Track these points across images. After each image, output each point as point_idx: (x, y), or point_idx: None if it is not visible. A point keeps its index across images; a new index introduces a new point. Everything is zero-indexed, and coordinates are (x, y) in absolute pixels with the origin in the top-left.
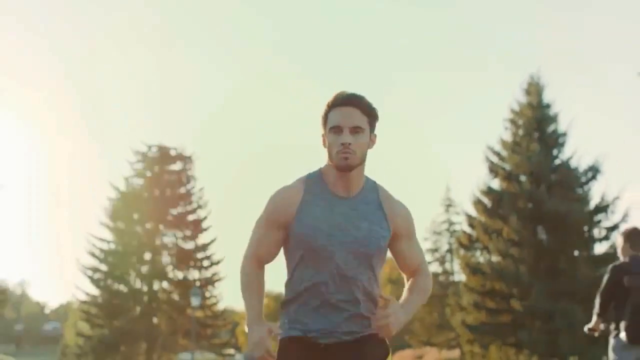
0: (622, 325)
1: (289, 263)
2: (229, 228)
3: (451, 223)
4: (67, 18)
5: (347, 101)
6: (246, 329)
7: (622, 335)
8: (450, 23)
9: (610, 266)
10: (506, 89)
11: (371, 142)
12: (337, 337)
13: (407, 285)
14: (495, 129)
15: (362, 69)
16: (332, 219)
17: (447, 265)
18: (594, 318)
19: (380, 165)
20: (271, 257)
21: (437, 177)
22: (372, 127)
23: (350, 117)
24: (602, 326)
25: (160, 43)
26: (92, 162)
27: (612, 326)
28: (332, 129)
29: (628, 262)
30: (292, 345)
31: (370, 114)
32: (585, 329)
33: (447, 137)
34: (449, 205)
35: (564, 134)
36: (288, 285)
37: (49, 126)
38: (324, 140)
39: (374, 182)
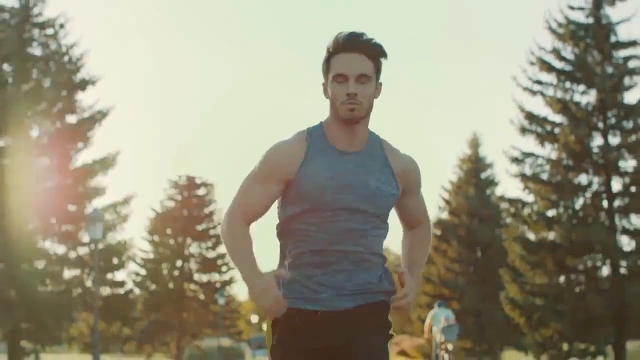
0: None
1: (283, 215)
2: None
3: None
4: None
5: (352, 46)
6: (247, 290)
7: None
8: (451, 15)
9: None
10: (501, 82)
11: (377, 91)
12: (339, 299)
13: (408, 236)
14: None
15: None
16: (339, 176)
17: None
18: None
19: None
20: (263, 211)
21: (434, 170)
22: (378, 73)
23: (356, 65)
24: None
25: (161, 36)
26: None
27: None
28: (336, 78)
29: None
30: (292, 319)
31: (377, 57)
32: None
33: (443, 129)
34: None
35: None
36: (282, 236)
37: None
38: (324, 90)
39: (377, 135)
